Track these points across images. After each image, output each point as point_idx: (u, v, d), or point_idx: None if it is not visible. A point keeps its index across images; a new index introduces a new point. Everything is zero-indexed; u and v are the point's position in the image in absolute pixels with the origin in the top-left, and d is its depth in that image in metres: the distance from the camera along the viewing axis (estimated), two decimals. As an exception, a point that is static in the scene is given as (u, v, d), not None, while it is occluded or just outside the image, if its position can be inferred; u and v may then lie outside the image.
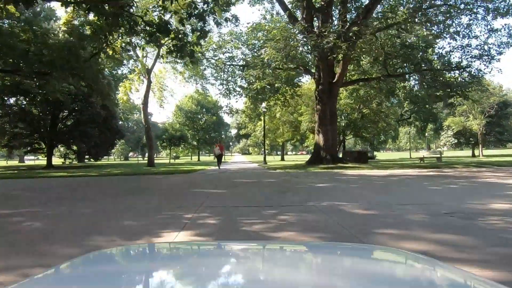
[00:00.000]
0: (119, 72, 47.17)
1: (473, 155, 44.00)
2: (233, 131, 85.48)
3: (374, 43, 15.43)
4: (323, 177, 12.17)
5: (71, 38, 16.80)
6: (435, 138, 74.70)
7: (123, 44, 16.59)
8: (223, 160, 27.68)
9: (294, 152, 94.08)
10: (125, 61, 25.80)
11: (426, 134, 55.23)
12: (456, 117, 42.49)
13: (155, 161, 47.81)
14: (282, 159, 48.82)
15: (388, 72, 20.70)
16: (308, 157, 63.60)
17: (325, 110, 19.63)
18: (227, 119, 70.68)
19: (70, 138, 34.44)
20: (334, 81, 19.50)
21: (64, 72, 17.43)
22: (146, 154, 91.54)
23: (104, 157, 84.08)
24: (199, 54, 23.82)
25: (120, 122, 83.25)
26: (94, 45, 15.59)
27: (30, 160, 63.03)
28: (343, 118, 30.87)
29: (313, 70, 21.53)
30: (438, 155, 26.51)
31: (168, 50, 14.28)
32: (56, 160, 48.71)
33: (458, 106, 45.31)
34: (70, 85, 20.17)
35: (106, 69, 44.88)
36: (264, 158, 30.66)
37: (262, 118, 27.40)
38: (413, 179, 11.20)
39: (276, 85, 22.55)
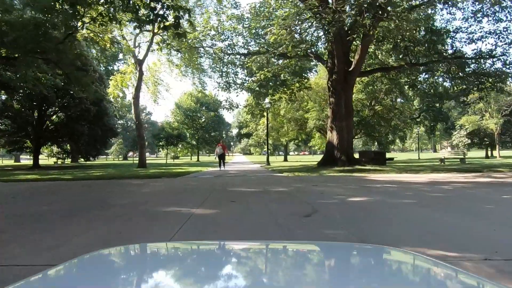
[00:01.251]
0: (115, 67, 44.17)
1: (487, 156, 40.88)
2: (234, 131, 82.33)
3: (405, 19, 12.34)
4: (348, 185, 9.12)
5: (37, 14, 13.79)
6: (444, 138, 71.60)
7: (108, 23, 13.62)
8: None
9: (296, 153, 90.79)
10: (112, 49, 22.69)
11: (432, 134, 52.06)
12: (471, 116, 39.30)
13: (151, 161, 44.70)
14: (285, 159, 45.74)
15: (410, 60, 17.63)
16: (312, 158, 60.26)
17: (340, 103, 16.57)
18: (228, 118, 67.46)
19: (58, 137, 31.45)
20: (350, 69, 16.43)
21: (32, 55, 14.41)
22: (148, 154, 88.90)
23: (102, 156, 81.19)
24: (195, 40, 20.85)
25: (120, 121, 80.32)
26: (68, 22, 12.66)
27: (28, 160, 60.16)
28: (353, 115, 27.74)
29: (325, 58, 18.46)
30: (462, 156, 23.42)
31: (163, 26, 11.16)
32: (48, 160, 45.91)
33: (473, 104, 42.25)
34: (41, 73, 17.10)
35: (101, 64, 41.98)
36: (267, 158, 27.61)
37: (265, 114, 24.28)
38: (474, 188, 8.12)
39: (281, 75, 19.50)
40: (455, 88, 20.47)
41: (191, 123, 48.86)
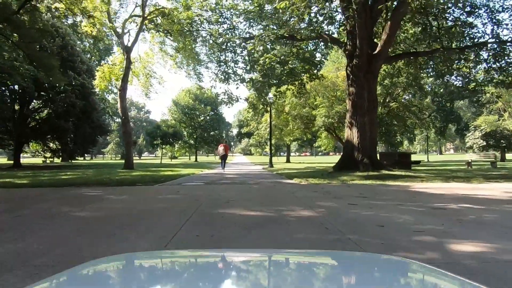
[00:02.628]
0: (109, 62, 40.87)
1: (503, 159, 37.54)
2: (235, 131, 78.95)
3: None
4: (402, 203, 5.83)
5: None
6: (449, 140, 68.35)
7: None
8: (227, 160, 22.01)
9: (297, 154, 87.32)
10: (91, 29, 19.43)
11: (442, 135, 48.71)
12: (489, 116, 35.96)
13: (145, 162, 41.38)
14: (288, 160, 42.41)
15: (443, 46, 14.35)
16: (315, 159, 56.64)
17: (362, 94, 13.28)
18: (228, 117, 64.33)
19: (41, 134, 28.15)
20: (375, 52, 13.15)
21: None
22: (147, 153, 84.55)
23: (100, 155, 77.77)
24: (188, 20, 17.61)
25: (118, 119, 77.00)
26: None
27: (25, 158, 56.79)
28: None
29: (342, 40, 15.18)
30: (492, 159, 20.13)
31: None
32: (36, 159, 42.60)
33: (488, 104, 38.94)
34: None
35: (93, 58, 38.68)
36: (270, 159, 24.33)
37: (268, 110, 20.93)
38: None
39: (289, 63, 16.22)
40: (490, 79, 17.06)
41: (189, 122, 45.57)
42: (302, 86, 17.35)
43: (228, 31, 17.41)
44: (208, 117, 47.39)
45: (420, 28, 15.49)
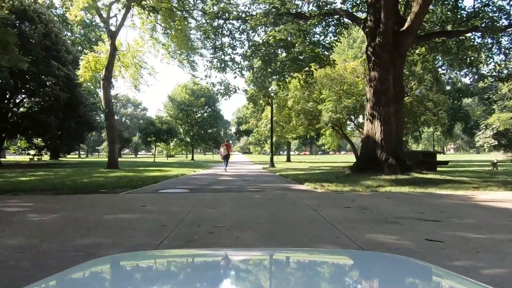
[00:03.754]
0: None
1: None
2: (233, 129, 76.26)
3: None
4: (507, 233, 3.28)
5: None
6: (452, 140, 65.95)
7: None
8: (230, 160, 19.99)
9: (297, 152, 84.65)
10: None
11: (449, 134, 46.19)
12: (503, 114, 33.48)
13: (139, 160, 38.72)
14: (288, 159, 39.86)
15: (483, 24, 11.83)
16: (316, 158, 53.83)
17: (387, 79, 10.72)
18: (226, 115, 61.90)
19: (23, 129, 25.47)
20: (403, 28, 10.58)
21: None
22: (144, 152, 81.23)
23: (95, 153, 74.91)
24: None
25: (117, 118, 73.98)
26: None
27: (12, 156, 54.02)
28: None
29: (361, 16, 12.62)
30: (522, 160, 17.62)
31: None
32: (25, 157, 39.86)
33: (500, 101, 36.46)
34: None
35: (83, 48, 35.95)
36: (271, 159, 21.78)
37: (270, 102, 18.23)
38: None
39: (296, 45, 13.66)
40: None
41: (185, 118, 42.92)
42: (310, 74, 14.76)
43: (224, 11, 14.81)
44: (205, 114, 44.77)
45: (449, 6, 12.97)
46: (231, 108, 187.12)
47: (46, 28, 24.51)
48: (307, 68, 14.49)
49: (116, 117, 76.73)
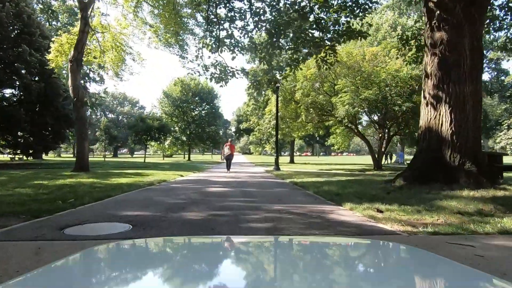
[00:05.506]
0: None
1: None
2: (233, 129, 72.31)
3: None
4: None
5: None
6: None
7: None
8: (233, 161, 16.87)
9: (298, 153, 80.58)
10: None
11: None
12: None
13: (128, 160, 34.73)
14: (292, 161, 35.99)
15: None
16: (319, 160, 49.32)
17: (459, 43, 6.95)
18: (226, 115, 58.10)
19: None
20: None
21: None
22: (142, 152, 76.66)
23: (91, 153, 70.73)
24: None
25: (111, 115, 69.93)
26: None
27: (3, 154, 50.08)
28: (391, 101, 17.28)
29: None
30: None
31: None
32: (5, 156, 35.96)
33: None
34: None
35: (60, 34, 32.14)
36: (276, 160, 17.99)
37: (276, 88, 14.17)
38: None
39: (313, 14, 9.90)
40: None
41: (181, 116, 39.11)
42: (332, 51, 10.93)
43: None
44: (203, 112, 40.98)
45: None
46: (231, 107, 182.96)
47: (16, 8, 20.74)
48: (328, 43, 10.68)
49: (112, 116, 72.51)
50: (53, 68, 18.59)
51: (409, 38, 11.45)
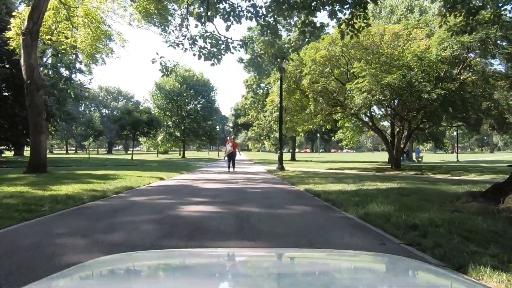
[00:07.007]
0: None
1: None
2: (231, 125, 69.10)
3: None
4: None
5: None
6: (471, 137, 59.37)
7: None
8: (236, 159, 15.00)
9: (297, 150, 77.28)
10: None
11: (475, 131, 39.24)
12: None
13: (116, 157, 31.46)
14: (293, 158, 32.91)
15: None
16: (320, 157, 45.77)
17: None
18: (224, 111, 55.06)
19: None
20: None
21: None
22: (138, 148, 72.90)
23: (80, 150, 67.32)
24: None
25: (105, 111, 66.29)
26: None
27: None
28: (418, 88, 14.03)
29: None
30: None
31: None
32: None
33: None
34: None
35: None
36: (280, 159, 14.92)
37: (282, 68, 10.76)
38: None
39: None
40: None
41: (175, 110, 35.92)
42: (363, 12, 7.73)
43: None
44: (198, 106, 37.81)
45: None
46: (229, 103, 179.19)
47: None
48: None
49: (107, 111, 68.87)
50: (15, 49, 15.37)
51: (457, 1, 8.33)
